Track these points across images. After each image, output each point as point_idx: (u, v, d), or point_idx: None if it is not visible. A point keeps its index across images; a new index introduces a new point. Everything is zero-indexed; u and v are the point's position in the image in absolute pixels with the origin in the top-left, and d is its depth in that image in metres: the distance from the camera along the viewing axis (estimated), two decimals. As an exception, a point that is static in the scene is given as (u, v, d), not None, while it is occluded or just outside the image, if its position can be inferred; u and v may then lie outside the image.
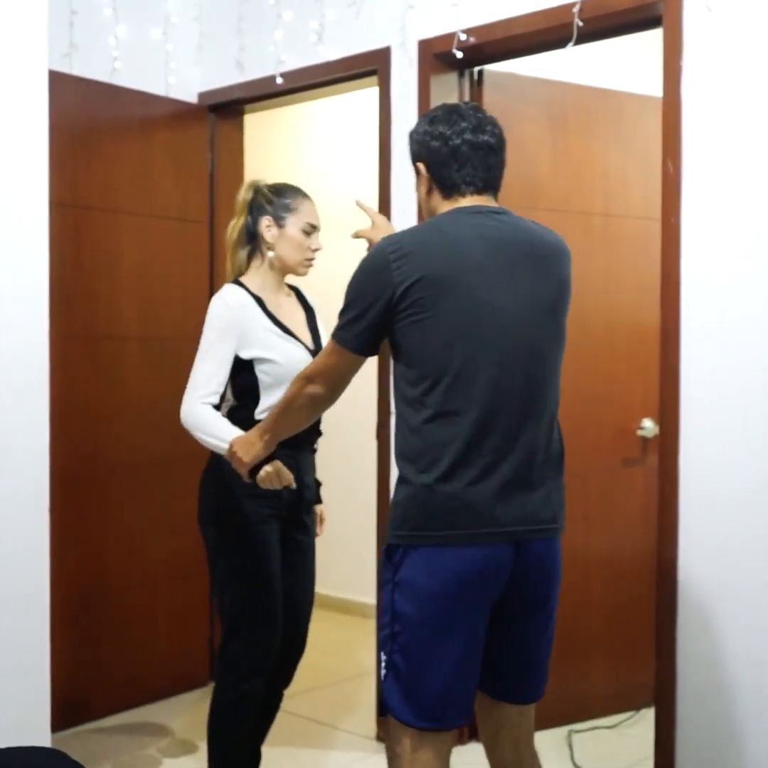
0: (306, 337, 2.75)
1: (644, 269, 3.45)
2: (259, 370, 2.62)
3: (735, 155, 2.67)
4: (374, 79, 3.51)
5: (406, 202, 3.33)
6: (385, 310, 2.03)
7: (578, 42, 2.97)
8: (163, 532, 3.84)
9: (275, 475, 2.49)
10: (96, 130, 3.67)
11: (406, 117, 3.35)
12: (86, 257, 3.63)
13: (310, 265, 2.76)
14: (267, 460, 2.44)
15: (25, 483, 2.75)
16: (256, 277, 2.74)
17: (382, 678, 2.09)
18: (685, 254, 2.77)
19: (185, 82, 3.99)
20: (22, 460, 2.74)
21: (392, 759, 2.12)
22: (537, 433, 2.07)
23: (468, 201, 2.12)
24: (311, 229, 2.73)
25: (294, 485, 2.56)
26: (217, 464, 2.64)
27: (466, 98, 3.36)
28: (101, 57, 3.69)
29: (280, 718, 2.96)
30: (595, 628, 3.60)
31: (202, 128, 4.02)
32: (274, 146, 5.25)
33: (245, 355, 2.62)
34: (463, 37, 3.17)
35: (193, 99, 4.04)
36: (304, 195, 2.76)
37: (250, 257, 2.76)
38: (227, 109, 4.04)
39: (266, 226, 2.71)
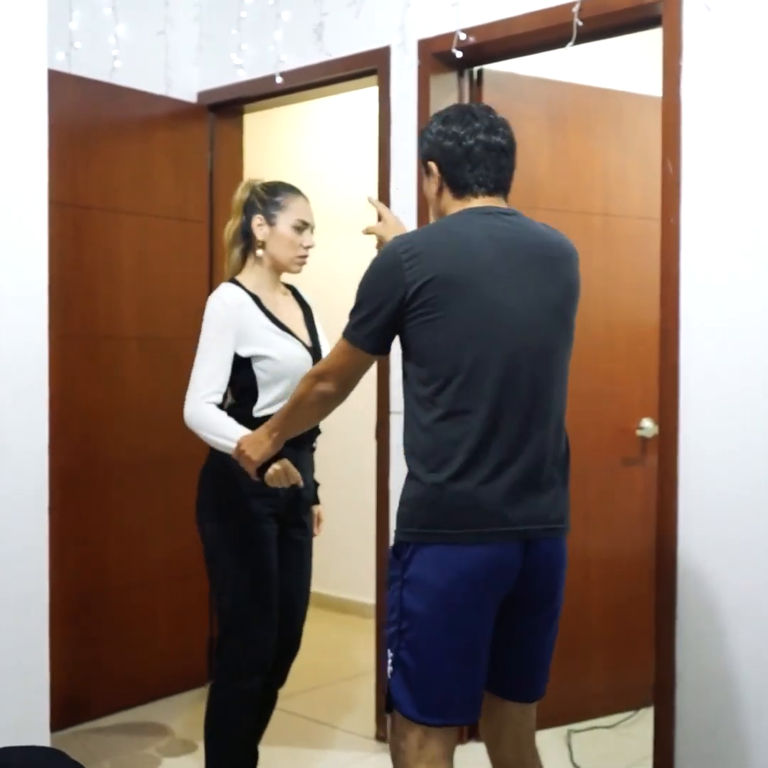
0: (304, 334, 2.75)
1: (644, 269, 3.44)
2: (257, 368, 2.62)
3: (734, 155, 2.68)
4: (374, 78, 3.51)
5: (405, 202, 3.33)
6: (396, 310, 2.04)
7: (578, 42, 2.97)
8: (162, 532, 3.84)
9: (284, 473, 2.49)
10: (95, 130, 3.67)
11: (405, 117, 3.35)
12: (86, 257, 3.63)
13: (303, 263, 2.75)
14: (274, 458, 2.45)
15: (25, 483, 2.75)
16: (252, 275, 2.73)
17: (389, 674, 2.10)
18: (685, 254, 2.77)
19: (185, 82, 3.99)
20: (21, 460, 2.74)
21: (397, 755, 2.13)
22: (545, 435, 2.08)
23: (479, 202, 2.13)
24: (303, 226, 2.72)
25: (302, 483, 2.56)
26: (216, 462, 2.64)
27: (466, 98, 3.36)
28: (101, 56, 3.69)
29: (279, 717, 2.96)
30: (595, 628, 3.60)
31: (202, 128, 4.02)
32: (274, 146, 5.24)
33: (243, 352, 2.61)
34: (462, 36, 3.17)
35: (192, 98, 4.04)
36: (297, 192, 2.75)
37: (245, 256, 2.76)
38: (227, 108, 4.04)
39: (258, 224, 2.71)
